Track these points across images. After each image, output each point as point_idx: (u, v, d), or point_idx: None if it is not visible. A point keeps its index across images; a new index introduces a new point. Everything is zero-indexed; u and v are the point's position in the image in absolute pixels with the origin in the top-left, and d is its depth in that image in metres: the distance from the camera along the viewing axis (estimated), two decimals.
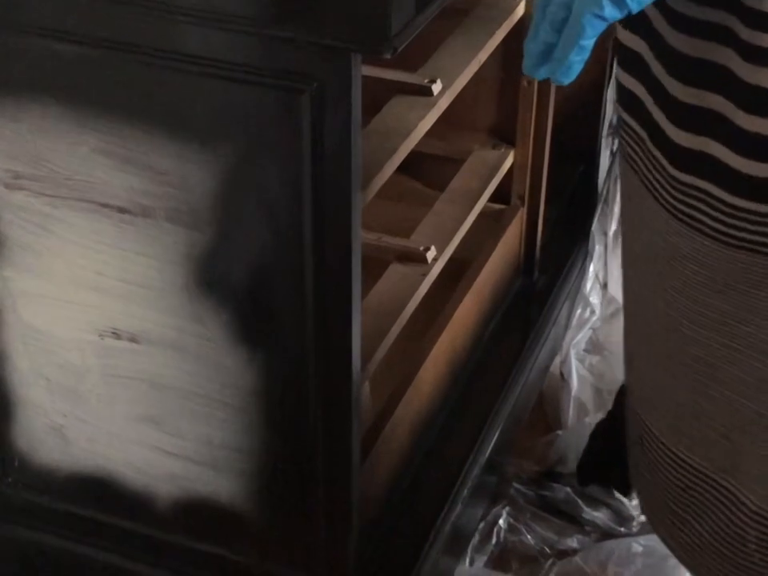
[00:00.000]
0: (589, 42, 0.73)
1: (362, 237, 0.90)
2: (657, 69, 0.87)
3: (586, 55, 0.74)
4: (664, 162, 0.87)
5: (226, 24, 0.82)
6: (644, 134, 0.90)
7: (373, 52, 0.78)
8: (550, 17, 0.74)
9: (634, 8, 0.72)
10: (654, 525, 1.08)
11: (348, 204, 0.87)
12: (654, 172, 0.90)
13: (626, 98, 0.93)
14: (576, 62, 0.73)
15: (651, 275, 0.94)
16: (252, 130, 0.85)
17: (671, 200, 0.88)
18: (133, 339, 0.99)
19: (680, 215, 0.87)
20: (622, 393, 1.29)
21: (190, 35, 0.83)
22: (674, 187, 0.87)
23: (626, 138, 0.94)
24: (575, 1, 0.72)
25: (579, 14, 0.72)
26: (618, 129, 0.97)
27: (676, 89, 0.85)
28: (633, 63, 0.90)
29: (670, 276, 0.91)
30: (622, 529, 1.32)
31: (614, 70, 0.93)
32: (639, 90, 0.90)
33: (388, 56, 0.78)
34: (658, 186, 0.89)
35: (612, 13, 0.72)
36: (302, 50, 0.80)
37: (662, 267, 0.91)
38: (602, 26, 0.73)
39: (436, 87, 1.10)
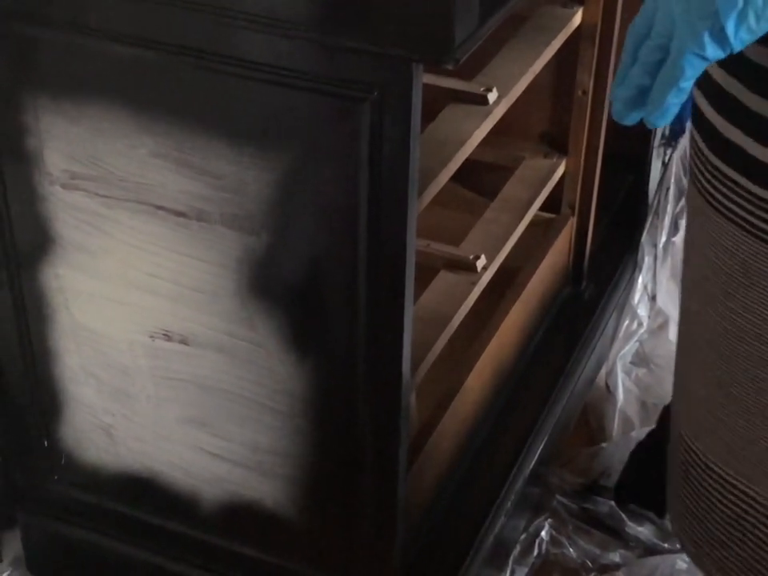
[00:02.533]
0: (688, 84, 0.71)
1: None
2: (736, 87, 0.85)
3: (684, 97, 0.72)
4: (741, 180, 0.86)
5: (287, 31, 0.81)
6: (709, 151, 0.88)
7: (435, 62, 0.78)
8: (643, 59, 0.72)
9: (738, 46, 0.70)
10: (696, 555, 1.05)
11: (404, 212, 0.86)
12: (722, 188, 0.88)
13: (706, 126, 0.90)
14: (673, 105, 0.71)
15: (715, 294, 0.92)
16: (311, 137, 0.85)
17: (749, 217, 0.86)
18: (183, 341, 0.99)
19: (754, 230, 0.86)
20: (664, 414, 1.28)
21: (252, 41, 0.83)
22: (749, 201, 0.86)
23: (694, 156, 0.92)
24: (673, 41, 0.70)
25: (679, 55, 0.70)
26: (691, 153, 0.94)
27: (758, 104, 0.83)
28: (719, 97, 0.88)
29: (736, 294, 0.89)
30: (666, 545, 1.31)
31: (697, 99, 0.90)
32: (718, 121, 0.87)
33: (450, 66, 0.78)
34: (730, 204, 0.88)
35: (714, 52, 0.69)
36: (364, 58, 0.80)
37: (729, 285, 0.90)
38: (702, 66, 0.70)
39: (492, 96, 1.10)
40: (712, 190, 0.89)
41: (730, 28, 0.69)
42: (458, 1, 0.75)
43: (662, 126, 0.74)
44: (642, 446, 1.35)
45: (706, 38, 0.69)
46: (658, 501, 1.28)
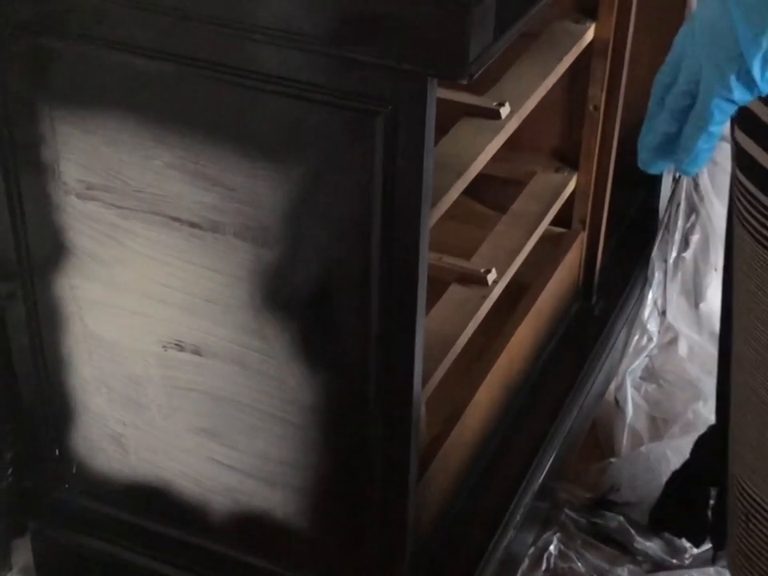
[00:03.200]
0: (718, 128, 0.70)
1: None
2: None
3: (715, 142, 0.71)
4: None
5: (302, 44, 0.82)
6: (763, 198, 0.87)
7: (450, 77, 0.78)
8: (670, 106, 0.71)
9: (766, 88, 0.69)
10: None
11: (417, 225, 0.87)
12: None
13: (746, 161, 0.88)
14: (704, 150, 0.71)
15: None
16: (324, 150, 0.86)
17: None
18: (196, 352, 1.00)
19: None
20: (700, 443, 1.27)
21: (267, 54, 0.84)
22: None
23: (742, 199, 0.91)
24: (701, 87, 0.70)
25: (707, 100, 0.69)
26: (732, 189, 0.93)
27: None
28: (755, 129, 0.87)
29: None
30: (675, 560, 1.31)
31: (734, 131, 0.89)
32: (762, 157, 0.85)
33: (465, 81, 0.78)
34: None
35: (742, 95, 0.69)
36: (378, 72, 0.81)
37: None
38: (731, 110, 0.70)
39: (504, 111, 1.10)
40: (763, 231, 0.86)
41: (756, 70, 0.68)
42: (473, 16, 0.76)
43: (694, 173, 0.73)
44: (677, 474, 1.33)
45: (733, 82, 0.69)
46: (693, 530, 1.27)
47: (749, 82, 0.69)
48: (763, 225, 0.86)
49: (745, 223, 0.88)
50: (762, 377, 0.93)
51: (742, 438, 0.99)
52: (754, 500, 0.97)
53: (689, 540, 1.30)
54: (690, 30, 0.71)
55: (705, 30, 0.69)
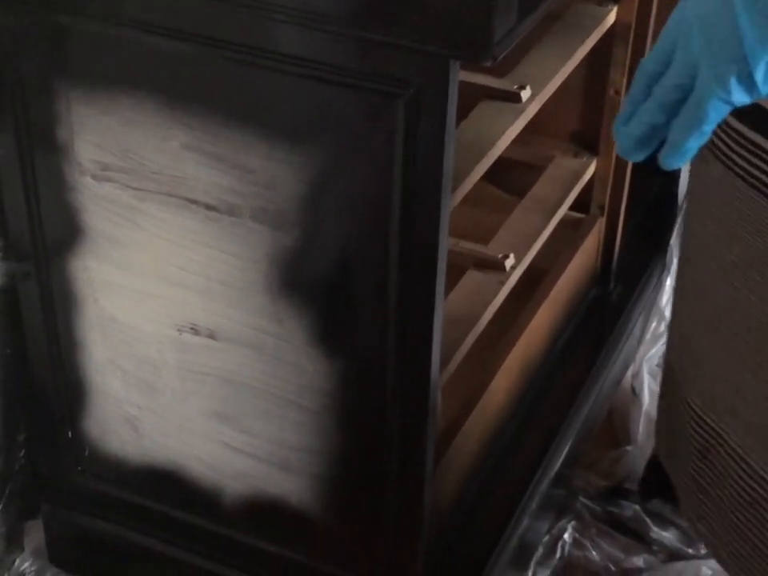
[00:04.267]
0: (711, 128, 0.68)
1: None
2: None
3: (705, 140, 0.69)
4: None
5: (323, 25, 0.81)
6: None
7: (473, 59, 0.77)
8: (659, 97, 0.69)
9: (766, 91, 0.66)
10: (713, 545, 1.03)
11: (437, 210, 0.86)
12: None
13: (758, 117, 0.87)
14: (693, 148, 0.69)
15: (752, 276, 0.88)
16: (344, 133, 0.85)
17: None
18: (211, 336, 0.99)
19: None
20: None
21: (287, 35, 0.83)
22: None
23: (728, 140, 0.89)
24: (696, 84, 0.67)
25: (702, 99, 0.67)
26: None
27: None
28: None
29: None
30: (691, 550, 1.30)
31: None
32: None
33: (488, 64, 0.77)
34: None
35: (740, 97, 0.66)
36: (400, 54, 0.79)
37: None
38: (726, 111, 0.68)
39: (525, 94, 1.09)
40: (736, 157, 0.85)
41: (759, 75, 0.66)
42: None
43: (676, 168, 0.71)
44: None
45: (733, 84, 0.66)
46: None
47: (749, 86, 0.66)
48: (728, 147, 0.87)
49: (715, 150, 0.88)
50: (731, 306, 0.91)
51: (703, 368, 0.98)
52: (714, 431, 0.96)
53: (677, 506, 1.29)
54: (684, 21, 0.68)
55: (703, 27, 0.66)
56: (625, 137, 0.72)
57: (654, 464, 1.33)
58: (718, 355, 0.97)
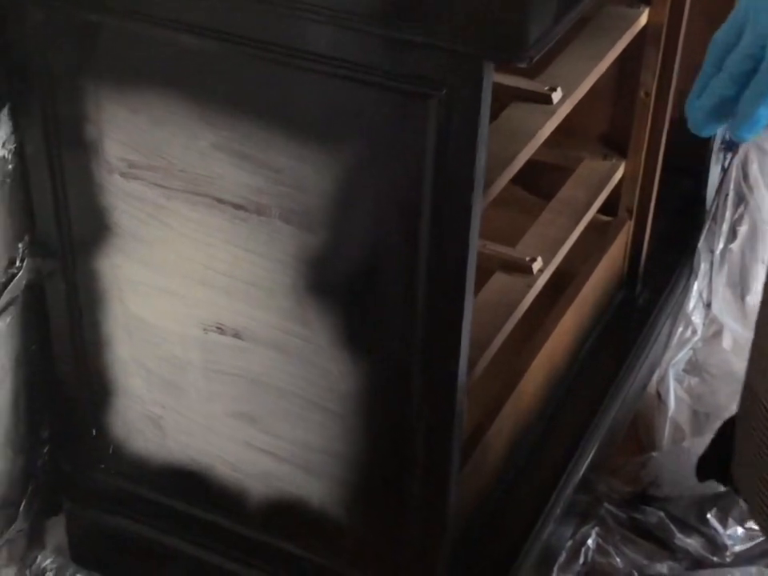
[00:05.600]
0: None
1: None
2: None
3: None
4: None
5: (355, 24, 0.80)
6: None
7: (508, 61, 0.76)
8: (730, 68, 0.70)
9: None
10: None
11: (468, 212, 0.85)
12: None
13: None
14: (764, 117, 0.69)
15: None
16: (374, 133, 0.84)
17: None
18: (237, 336, 0.98)
19: None
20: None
21: (318, 34, 0.82)
22: None
23: None
24: (766, 52, 0.68)
25: None
26: None
27: None
28: None
29: None
30: (715, 558, 1.29)
31: None
32: None
33: (523, 65, 0.76)
34: None
35: None
36: (433, 54, 0.78)
37: None
38: None
39: (556, 96, 1.08)
40: None
41: None
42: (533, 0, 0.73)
43: (748, 139, 0.72)
44: (730, 422, 1.31)
45: None
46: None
47: None
48: None
49: None
50: None
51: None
52: None
53: (735, 490, 1.27)
54: None
55: None
56: (696, 110, 0.73)
57: (714, 447, 1.30)
58: None
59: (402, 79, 0.80)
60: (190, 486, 1.10)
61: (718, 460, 1.29)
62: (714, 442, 1.30)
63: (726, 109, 0.71)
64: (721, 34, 0.72)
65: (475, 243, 0.87)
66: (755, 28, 0.69)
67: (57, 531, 1.21)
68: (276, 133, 0.87)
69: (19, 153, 0.99)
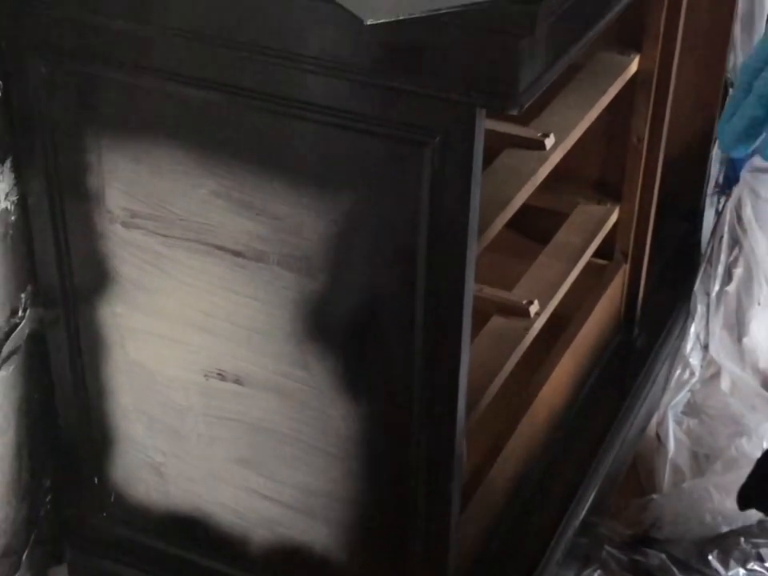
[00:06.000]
0: None
1: None
2: None
3: None
4: None
5: (349, 74, 0.82)
6: None
7: (500, 108, 0.78)
8: (759, 90, 0.75)
9: None
10: None
11: (463, 256, 0.86)
12: None
13: None
14: None
15: None
16: (371, 180, 0.85)
17: None
18: (237, 381, 0.99)
19: None
20: None
21: (314, 84, 0.84)
22: None
23: None
24: None
25: None
26: None
27: None
28: None
29: None
30: None
31: None
32: None
33: (514, 113, 0.78)
34: None
35: None
36: (427, 102, 0.80)
37: None
38: None
39: (549, 141, 1.10)
40: None
41: None
42: (524, 46, 0.75)
43: None
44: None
45: None
46: None
47: None
48: None
49: None
50: None
51: None
52: None
53: None
54: None
55: None
56: (727, 133, 0.77)
57: (755, 475, 1.30)
58: None
59: (397, 127, 0.82)
60: (192, 533, 1.10)
61: (758, 489, 1.28)
62: (754, 471, 1.30)
63: (756, 130, 0.76)
64: (750, 60, 0.77)
65: (471, 287, 0.88)
66: None
67: None
68: (275, 180, 0.89)
69: (22, 204, 1.01)
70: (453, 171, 0.82)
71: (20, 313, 1.05)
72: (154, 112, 0.90)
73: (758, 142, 0.77)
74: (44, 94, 0.94)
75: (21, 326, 1.06)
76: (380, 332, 0.91)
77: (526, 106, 0.78)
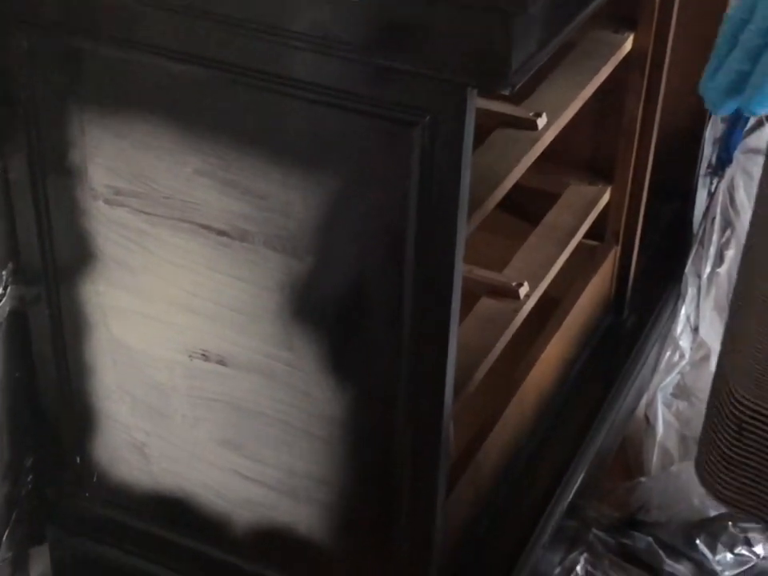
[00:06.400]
0: None
1: None
2: None
3: None
4: None
5: (339, 52, 0.80)
6: None
7: (491, 88, 0.76)
8: (744, 44, 0.72)
9: None
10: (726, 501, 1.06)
11: (453, 238, 0.85)
12: None
13: None
14: None
15: None
16: (359, 160, 0.84)
17: None
18: (221, 362, 0.98)
19: None
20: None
21: (303, 61, 0.82)
22: None
23: None
24: None
25: None
26: None
27: None
28: None
29: None
30: None
31: None
32: None
33: (506, 92, 0.76)
34: None
35: None
36: (417, 82, 0.79)
37: None
38: None
39: (541, 122, 1.08)
40: None
41: None
42: (516, 25, 0.74)
43: (760, 113, 0.73)
44: None
45: None
46: None
47: None
48: None
49: None
50: None
51: (741, 347, 1.00)
52: (750, 408, 0.98)
53: None
54: None
55: None
56: (712, 89, 0.75)
57: None
58: (751, 325, 0.99)
59: (386, 106, 0.80)
60: (174, 514, 1.09)
61: None
62: None
63: (742, 84, 0.73)
64: (734, 12, 0.73)
65: (460, 268, 0.87)
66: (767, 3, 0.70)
67: (41, 560, 1.20)
68: (261, 159, 0.87)
69: (3, 180, 0.99)
70: (443, 151, 0.80)
71: (1, 290, 1.04)
72: (139, 87, 0.88)
73: (744, 97, 0.74)
74: (26, 67, 0.92)
75: (1, 303, 1.04)
76: (367, 314, 0.90)
77: (518, 86, 0.76)
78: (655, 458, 1.41)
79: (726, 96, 0.74)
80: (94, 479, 1.11)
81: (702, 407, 1.42)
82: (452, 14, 0.75)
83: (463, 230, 0.85)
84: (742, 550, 1.31)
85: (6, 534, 1.14)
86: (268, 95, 0.84)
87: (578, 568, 1.28)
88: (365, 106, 0.81)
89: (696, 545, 1.31)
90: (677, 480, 1.36)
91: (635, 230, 1.37)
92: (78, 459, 1.10)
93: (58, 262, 1.00)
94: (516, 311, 1.14)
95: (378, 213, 0.85)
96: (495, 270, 1.18)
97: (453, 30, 0.75)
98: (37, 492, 1.16)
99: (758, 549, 1.31)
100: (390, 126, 0.81)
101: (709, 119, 1.50)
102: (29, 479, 1.15)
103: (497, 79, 0.75)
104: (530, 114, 1.08)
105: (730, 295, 1.53)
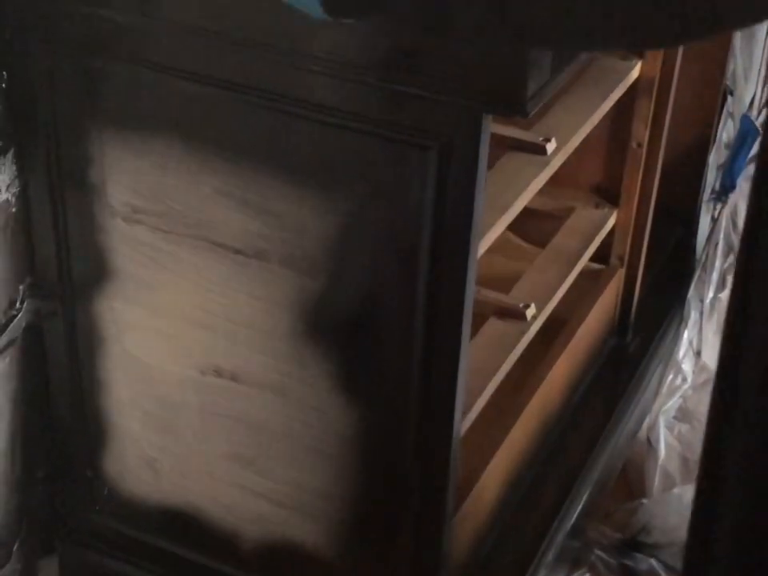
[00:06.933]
0: None
1: None
2: None
3: None
4: None
5: (355, 76, 0.82)
6: None
7: (507, 114, 0.78)
8: None
9: None
10: None
11: (465, 259, 0.86)
12: None
13: None
14: None
15: None
16: (375, 182, 0.85)
17: None
18: (234, 378, 0.99)
19: None
20: None
21: (320, 84, 0.84)
22: None
23: None
24: None
25: None
26: None
27: None
28: None
29: None
30: None
31: None
32: None
33: (521, 118, 0.78)
34: None
35: None
36: (433, 106, 0.80)
37: None
38: None
39: (550, 146, 1.10)
40: None
41: None
42: (531, 54, 0.75)
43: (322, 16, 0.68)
44: None
45: None
46: None
47: None
48: None
49: None
50: None
51: None
52: None
53: None
54: None
55: None
56: None
57: None
58: None
59: (401, 130, 0.82)
60: (183, 529, 1.10)
61: None
62: None
63: None
64: None
65: (472, 289, 0.88)
66: None
67: (50, 571, 1.21)
68: (278, 179, 0.89)
69: (23, 196, 1.00)
70: (457, 175, 0.82)
71: (17, 305, 1.05)
72: (157, 107, 0.90)
73: None
74: (47, 85, 0.94)
75: (18, 317, 1.05)
76: (379, 333, 0.91)
77: (533, 112, 0.78)
78: (657, 480, 1.41)
79: None
80: (105, 492, 1.12)
81: (703, 431, 1.44)
82: (468, 41, 0.77)
83: (476, 253, 0.87)
84: None
85: (16, 545, 1.15)
86: (285, 117, 0.86)
87: None
88: (380, 130, 0.83)
89: None
90: (678, 502, 1.37)
91: (640, 253, 1.39)
92: (90, 472, 1.11)
93: (75, 278, 1.01)
94: (523, 333, 1.16)
95: (391, 234, 0.87)
96: (503, 292, 1.20)
97: (469, 57, 0.77)
98: (47, 504, 1.17)
99: None
100: (405, 149, 0.83)
101: (713, 145, 1.52)
102: (40, 491, 1.16)
103: (513, 105, 0.77)
104: (540, 139, 1.10)
105: None
